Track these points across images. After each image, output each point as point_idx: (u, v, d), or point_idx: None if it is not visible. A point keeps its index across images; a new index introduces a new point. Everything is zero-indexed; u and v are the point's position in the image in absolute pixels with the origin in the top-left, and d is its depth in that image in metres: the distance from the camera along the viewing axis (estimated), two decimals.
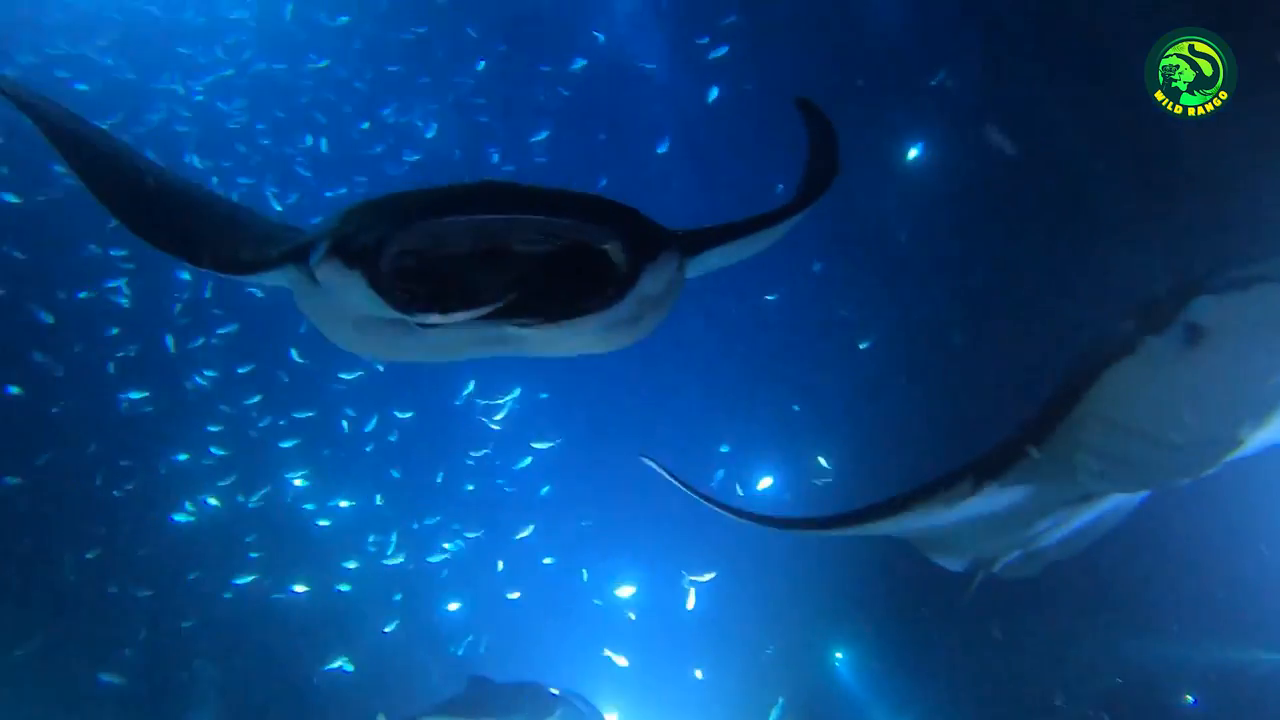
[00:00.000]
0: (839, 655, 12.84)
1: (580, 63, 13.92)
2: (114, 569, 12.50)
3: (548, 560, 14.01)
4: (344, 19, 13.82)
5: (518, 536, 13.53)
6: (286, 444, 13.22)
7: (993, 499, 4.53)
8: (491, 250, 2.65)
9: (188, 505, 12.87)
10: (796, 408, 13.47)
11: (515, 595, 13.56)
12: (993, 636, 10.81)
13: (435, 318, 2.55)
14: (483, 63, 13.99)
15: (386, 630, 13.35)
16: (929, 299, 12.33)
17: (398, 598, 13.67)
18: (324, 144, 14.09)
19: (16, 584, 12.13)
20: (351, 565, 13.47)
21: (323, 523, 13.62)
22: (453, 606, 13.76)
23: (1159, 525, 9.56)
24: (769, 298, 13.38)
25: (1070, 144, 10.87)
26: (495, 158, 14.13)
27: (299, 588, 13.06)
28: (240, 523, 13.15)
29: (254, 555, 13.11)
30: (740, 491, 13.46)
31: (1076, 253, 10.64)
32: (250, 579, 12.91)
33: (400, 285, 2.63)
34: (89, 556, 12.34)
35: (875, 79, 12.09)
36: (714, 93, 13.39)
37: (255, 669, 12.85)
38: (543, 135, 13.85)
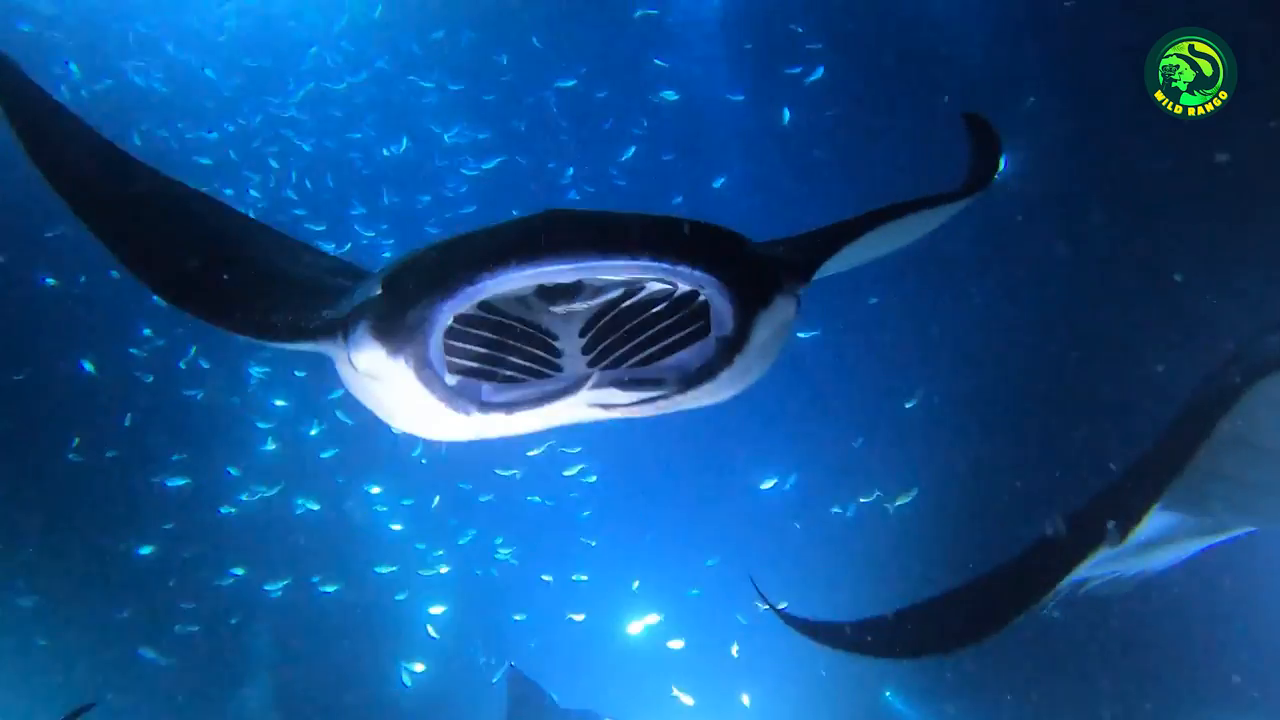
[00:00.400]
0: (887, 694, 12.57)
1: (667, 93, 13.99)
2: (170, 559, 12.71)
3: (578, 577, 13.88)
4: (438, 34, 14.13)
5: (591, 544, 13.38)
6: (328, 453, 13.26)
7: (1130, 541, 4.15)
8: (565, 295, 2.24)
9: (243, 497, 12.98)
10: (859, 442, 13.29)
11: (580, 617, 13.31)
12: (1055, 693, 10.46)
13: (501, 419, 2.16)
14: (573, 81, 14.14)
15: (433, 635, 13.38)
16: (996, 328, 12.12)
17: (442, 609, 13.67)
18: (403, 148, 14.37)
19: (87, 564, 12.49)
20: (398, 571, 13.49)
21: (395, 527, 13.71)
22: (518, 617, 13.70)
23: (1238, 589, 9.23)
24: (811, 333, 13.14)
25: (1156, 177, 10.63)
26: (570, 171, 14.30)
27: (331, 588, 13.07)
28: (293, 522, 13.26)
29: (303, 555, 13.17)
30: (797, 525, 13.34)
31: (1159, 287, 10.37)
32: (299, 578, 13.00)
33: (458, 355, 2.25)
34: (143, 552, 12.54)
35: (961, 100, 11.94)
36: (785, 115, 13.38)
37: (303, 659, 13.00)
38: (629, 153, 13.88)
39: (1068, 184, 11.39)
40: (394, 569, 13.43)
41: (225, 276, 2.99)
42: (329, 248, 13.11)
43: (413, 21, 14.13)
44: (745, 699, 13.23)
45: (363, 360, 2.20)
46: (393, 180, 14.45)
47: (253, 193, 13.61)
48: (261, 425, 13.41)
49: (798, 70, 13.13)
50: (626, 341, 2.31)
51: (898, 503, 11.86)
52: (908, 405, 12.70)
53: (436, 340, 2.09)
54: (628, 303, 2.31)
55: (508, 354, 2.33)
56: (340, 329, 2.33)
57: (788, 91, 13.27)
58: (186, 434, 13.02)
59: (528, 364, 2.33)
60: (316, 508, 13.22)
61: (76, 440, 12.33)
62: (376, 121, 14.60)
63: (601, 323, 2.34)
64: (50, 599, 12.25)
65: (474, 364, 2.32)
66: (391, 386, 2.21)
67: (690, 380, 2.17)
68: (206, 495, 12.91)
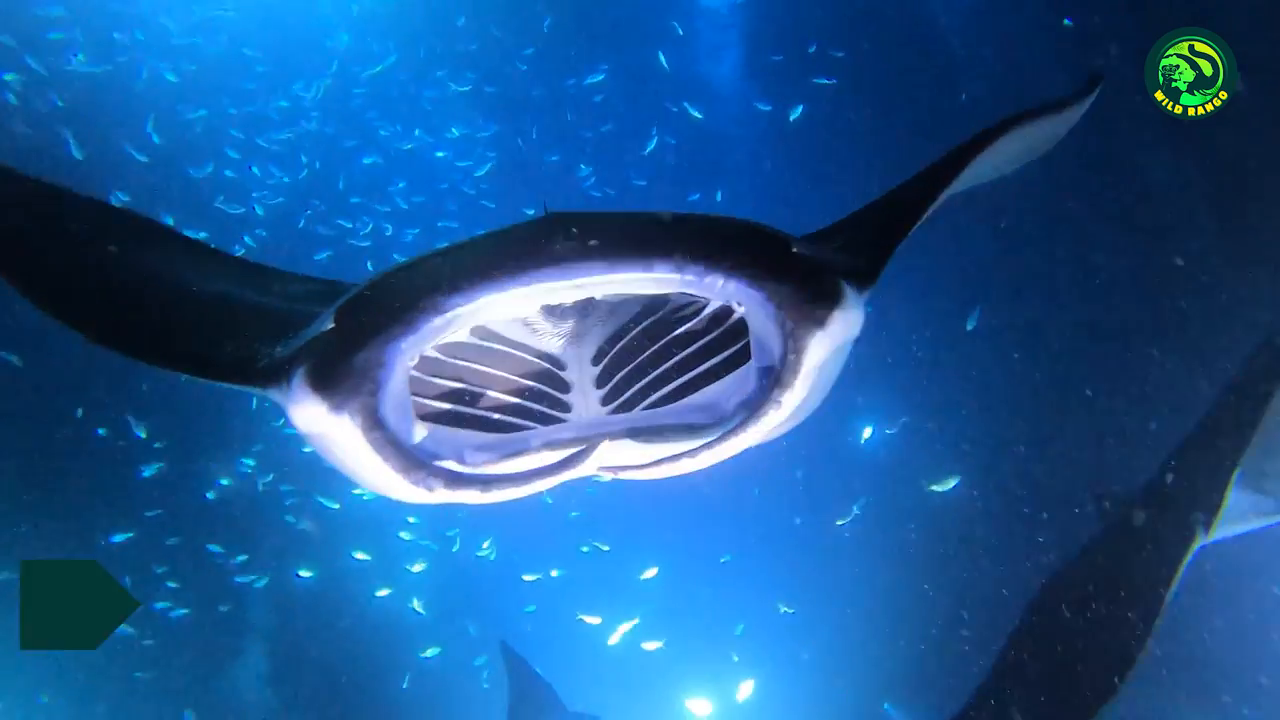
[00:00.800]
0: (886, 707, 12.53)
1: (688, 105, 13.98)
2: (150, 546, 12.61)
3: (555, 572, 13.84)
4: (461, 19, 14.17)
5: (604, 549, 13.26)
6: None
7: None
8: (574, 312, 1.84)
9: (223, 481, 12.90)
10: (873, 436, 13.27)
11: (596, 620, 13.05)
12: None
13: (475, 494, 1.62)
14: (600, 76, 14.14)
15: (418, 610, 13.31)
16: (1005, 334, 12.09)
17: (423, 607, 13.55)
18: (420, 142, 14.43)
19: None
20: (402, 563, 13.43)
21: (410, 519, 13.62)
22: (530, 609, 13.63)
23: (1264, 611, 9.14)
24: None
25: (1166, 183, 10.60)
26: (584, 169, 14.30)
27: (304, 572, 13.02)
28: (286, 509, 13.22)
29: (304, 544, 13.16)
30: (795, 518, 13.34)
31: (1169, 292, 10.37)
32: (292, 565, 12.96)
33: (435, 395, 1.83)
34: (116, 539, 12.38)
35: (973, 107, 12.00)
36: (796, 111, 13.33)
37: (300, 643, 13.01)
38: (652, 145, 13.78)
39: (1077, 185, 11.38)
40: (393, 561, 13.41)
41: (149, 307, 2.47)
42: (353, 244, 13.20)
43: (433, 15, 14.17)
44: (744, 698, 13.19)
45: (300, 416, 1.70)
46: (410, 174, 14.48)
47: (261, 176, 13.63)
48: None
49: (822, 81, 13.19)
50: (648, 370, 1.90)
51: (932, 488, 11.67)
52: (888, 431, 12.70)
53: (394, 389, 1.62)
54: (649, 320, 1.92)
55: (501, 390, 1.89)
56: (284, 373, 1.79)
57: (805, 93, 13.29)
58: (189, 418, 12.94)
59: (527, 404, 1.88)
60: (324, 500, 13.24)
61: (80, 411, 12.22)
62: (394, 115, 14.63)
63: (620, 345, 1.94)
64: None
65: (456, 406, 1.85)
66: (340, 448, 1.70)
67: (725, 430, 1.65)
68: (200, 480, 12.89)
